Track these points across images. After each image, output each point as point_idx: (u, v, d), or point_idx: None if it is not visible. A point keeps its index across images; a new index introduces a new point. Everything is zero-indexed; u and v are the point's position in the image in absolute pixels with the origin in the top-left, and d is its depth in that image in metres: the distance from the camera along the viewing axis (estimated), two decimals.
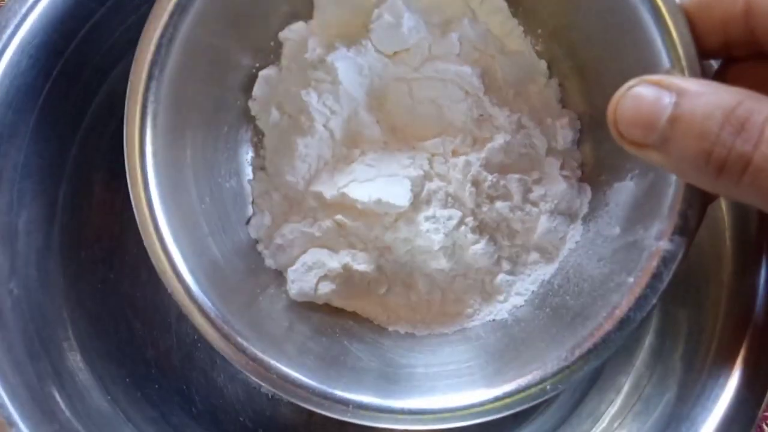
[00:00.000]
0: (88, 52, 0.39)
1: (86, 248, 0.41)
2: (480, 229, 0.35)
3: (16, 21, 0.36)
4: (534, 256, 0.36)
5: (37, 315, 0.36)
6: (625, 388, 0.39)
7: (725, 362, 0.34)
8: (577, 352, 0.30)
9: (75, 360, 0.37)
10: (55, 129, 0.38)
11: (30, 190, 0.37)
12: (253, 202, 0.38)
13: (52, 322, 0.38)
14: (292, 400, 0.31)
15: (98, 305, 0.40)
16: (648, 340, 0.40)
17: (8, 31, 0.35)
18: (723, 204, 0.37)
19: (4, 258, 0.36)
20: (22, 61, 0.36)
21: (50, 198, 0.39)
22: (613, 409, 0.39)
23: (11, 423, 0.32)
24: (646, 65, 0.30)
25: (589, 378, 0.41)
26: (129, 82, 0.32)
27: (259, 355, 0.31)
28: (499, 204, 0.35)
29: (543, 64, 0.38)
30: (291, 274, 0.36)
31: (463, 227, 0.35)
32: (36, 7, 0.36)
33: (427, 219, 0.34)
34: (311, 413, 0.43)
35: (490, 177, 0.35)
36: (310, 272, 0.36)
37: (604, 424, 0.39)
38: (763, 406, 0.33)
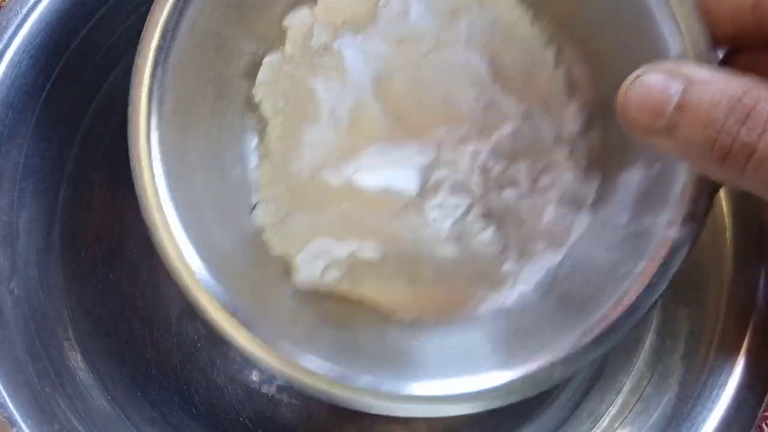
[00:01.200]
0: (88, 52, 0.39)
1: (86, 248, 0.41)
2: (487, 217, 0.35)
3: (17, 21, 0.36)
4: (541, 243, 0.36)
5: (38, 315, 0.36)
6: (626, 388, 0.39)
7: (726, 362, 0.34)
8: (586, 339, 0.30)
9: (75, 360, 0.37)
10: (56, 129, 0.38)
11: (30, 190, 0.37)
12: (257, 191, 0.38)
13: (53, 322, 0.37)
14: (304, 388, 0.31)
15: (98, 305, 0.40)
16: (648, 340, 0.40)
17: (9, 31, 0.35)
18: (723, 206, 0.37)
19: (5, 258, 0.36)
20: (23, 62, 0.36)
21: (50, 198, 0.39)
22: (613, 409, 0.39)
23: (12, 422, 0.32)
24: (655, 53, 0.29)
25: (589, 378, 0.41)
26: (134, 68, 0.31)
27: (270, 342, 0.30)
28: (506, 192, 0.35)
29: (550, 53, 0.38)
30: (296, 262, 0.36)
31: (470, 215, 0.35)
32: (37, 8, 0.36)
33: (434, 207, 0.34)
34: (311, 414, 0.43)
35: (498, 165, 0.35)
36: (316, 261, 0.36)
37: (604, 424, 0.39)
38: (764, 406, 0.33)
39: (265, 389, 0.44)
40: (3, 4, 0.44)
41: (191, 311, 0.45)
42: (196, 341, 0.45)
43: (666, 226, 0.29)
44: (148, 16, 0.32)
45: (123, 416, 0.38)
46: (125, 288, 0.42)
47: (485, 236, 0.35)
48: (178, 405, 0.42)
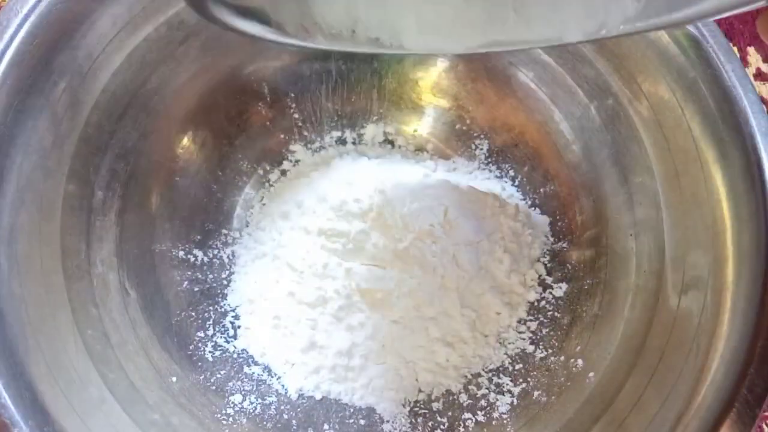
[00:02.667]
0: (89, 51, 0.39)
1: (86, 248, 0.41)
2: None
3: (18, 21, 0.36)
4: None
5: (38, 316, 0.36)
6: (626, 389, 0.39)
7: (727, 362, 0.34)
8: None
9: (76, 361, 0.37)
10: (57, 129, 0.38)
11: (30, 191, 0.37)
12: None
13: (53, 323, 0.37)
14: None
15: (99, 306, 0.40)
16: (651, 341, 0.40)
17: (10, 31, 0.35)
18: (725, 207, 0.37)
19: (5, 258, 0.35)
20: (23, 62, 0.36)
21: (51, 198, 0.39)
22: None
23: (14, 423, 0.32)
24: None
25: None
26: None
27: None
28: None
29: None
30: None
31: None
32: (38, 7, 0.36)
33: None
34: (311, 414, 0.43)
35: None
36: None
37: None
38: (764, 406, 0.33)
39: (264, 388, 0.44)
40: (3, 3, 0.44)
41: (192, 313, 0.45)
42: (197, 341, 0.45)
43: None
44: None
45: (125, 417, 0.38)
46: (127, 289, 0.42)
47: None
48: (178, 406, 0.41)
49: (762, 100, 0.39)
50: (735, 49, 0.53)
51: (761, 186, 0.36)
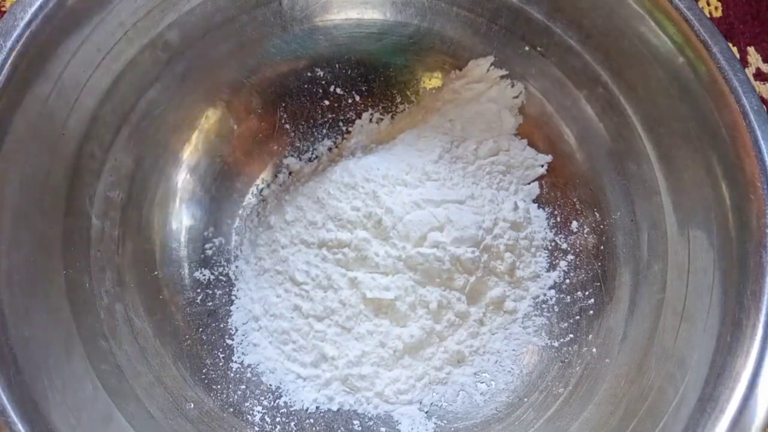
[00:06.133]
0: (74, 79, 0.39)
1: (91, 281, 0.40)
2: None
3: (19, 29, 0.35)
4: None
5: (51, 356, 0.35)
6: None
7: (740, 361, 0.35)
8: None
9: (95, 399, 0.36)
10: (59, 137, 0.38)
11: (27, 228, 0.37)
12: None
13: (67, 361, 0.36)
14: None
15: (109, 339, 0.39)
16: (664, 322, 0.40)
17: (12, 38, 0.35)
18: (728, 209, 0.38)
19: (8, 301, 0.34)
20: (25, 70, 0.36)
21: (49, 234, 0.38)
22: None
23: (11, 426, 0.31)
24: None
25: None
26: None
27: None
28: None
29: None
30: None
31: None
32: (39, 15, 0.36)
33: None
34: (332, 425, 0.43)
35: None
36: None
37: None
38: None
39: (263, 390, 0.44)
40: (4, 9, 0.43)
41: (201, 335, 0.45)
42: (209, 365, 0.44)
43: None
44: None
45: (123, 419, 0.37)
46: (132, 318, 0.42)
47: None
48: (175, 408, 0.41)
49: (762, 100, 0.39)
50: (735, 49, 0.53)
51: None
